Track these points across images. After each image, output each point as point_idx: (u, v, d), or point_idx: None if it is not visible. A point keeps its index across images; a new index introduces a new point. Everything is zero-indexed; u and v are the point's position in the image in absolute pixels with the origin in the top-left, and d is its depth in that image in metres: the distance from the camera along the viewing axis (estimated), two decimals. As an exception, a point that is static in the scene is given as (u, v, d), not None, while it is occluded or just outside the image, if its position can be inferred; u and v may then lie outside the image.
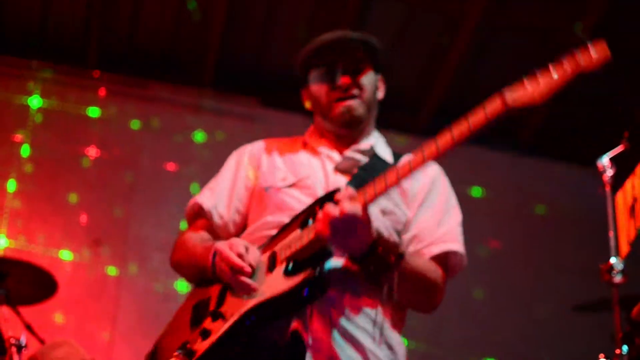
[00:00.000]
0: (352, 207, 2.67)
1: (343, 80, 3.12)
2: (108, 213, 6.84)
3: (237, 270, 2.76)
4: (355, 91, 3.13)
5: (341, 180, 3.02)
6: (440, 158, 2.68)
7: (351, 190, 2.74)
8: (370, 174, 2.92)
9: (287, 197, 3.04)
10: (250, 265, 2.79)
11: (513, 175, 7.61)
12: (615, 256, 3.90)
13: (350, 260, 2.80)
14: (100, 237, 6.74)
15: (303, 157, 3.19)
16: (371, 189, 2.72)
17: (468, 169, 6.84)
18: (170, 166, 6.99)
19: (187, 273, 3.14)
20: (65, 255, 6.61)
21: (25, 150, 6.83)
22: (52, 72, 7.09)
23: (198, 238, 3.11)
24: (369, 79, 3.19)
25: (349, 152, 3.14)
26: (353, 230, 2.68)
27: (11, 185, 6.70)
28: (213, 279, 2.91)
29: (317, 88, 3.20)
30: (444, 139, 2.66)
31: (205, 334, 2.82)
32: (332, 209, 2.67)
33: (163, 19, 7.20)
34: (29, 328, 4.98)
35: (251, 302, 2.76)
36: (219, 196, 3.20)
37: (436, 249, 2.99)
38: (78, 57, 7.20)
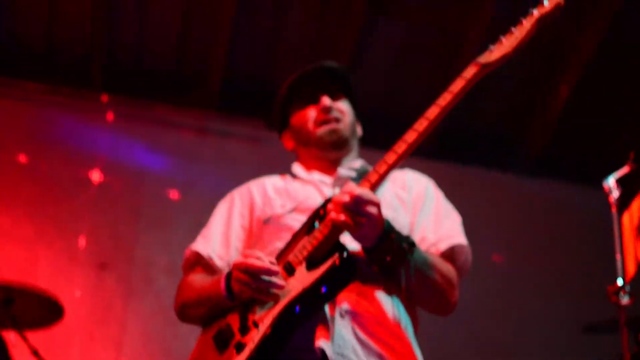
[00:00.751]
0: (360, 188, 2.69)
1: (325, 105, 3.18)
2: (113, 236, 6.83)
3: (263, 271, 2.71)
4: (337, 114, 3.20)
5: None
6: (434, 127, 2.82)
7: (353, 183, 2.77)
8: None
9: (292, 221, 3.01)
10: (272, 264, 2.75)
11: (518, 195, 7.60)
12: (622, 277, 3.90)
13: (366, 254, 2.78)
14: (106, 260, 6.73)
15: (296, 186, 3.19)
16: (373, 174, 2.78)
17: (473, 188, 6.83)
18: (176, 189, 6.99)
19: (196, 312, 3.04)
20: (71, 279, 6.61)
21: (30, 173, 6.85)
22: (56, 94, 7.10)
23: (203, 277, 3.08)
24: (347, 107, 3.26)
25: (341, 170, 3.17)
26: (364, 211, 2.66)
27: (16, 209, 6.71)
28: (230, 303, 2.84)
29: (300, 116, 3.26)
30: (432, 111, 2.82)
31: (240, 346, 2.73)
32: (341, 196, 2.68)
33: (168, 41, 7.23)
34: (35, 353, 4.98)
35: (283, 302, 2.70)
36: (214, 240, 3.17)
37: (443, 245, 3.00)
38: (83, 79, 7.21)
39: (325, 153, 3.20)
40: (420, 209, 3.09)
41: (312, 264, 2.72)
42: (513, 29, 2.88)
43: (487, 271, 7.02)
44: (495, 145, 7.68)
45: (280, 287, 2.71)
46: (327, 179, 3.17)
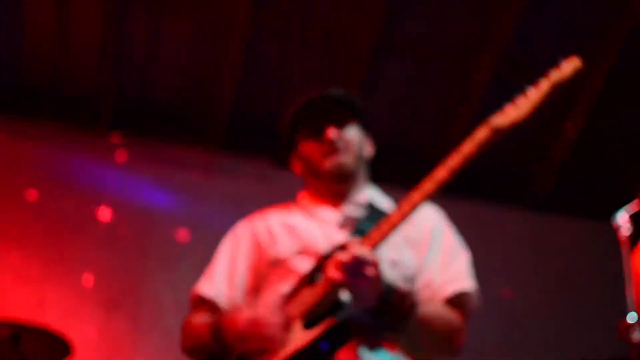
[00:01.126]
0: (360, 249, 2.69)
1: (330, 135, 3.13)
2: (122, 274, 6.83)
3: (261, 322, 2.74)
4: (342, 144, 3.15)
5: (344, 236, 3.02)
6: (438, 191, 2.79)
7: (357, 239, 2.78)
8: (371, 226, 2.93)
9: (298, 264, 3.01)
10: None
11: (527, 231, 7.59)
12: (632, 314, 3.87)
13: (367, 314, 2.77)
14: (114, 298, 6.73)
15: (301, 222, 3.17)
16: (376, 232, 2.77)
17: (481, 225, 6.83)
18: (184, 228, 6.99)
19: (199, 353, 3.07)
20: (79, 317, 6.60)
21: (39, 211, 6.85)
22: (64, 132, 7.13)
23: (203, 318, 3.07)
24: (353, 134, 3.20)
25: (346, 209, 3.14)
26: (363, 272, 2.67)
27: (25, 247, 6.71)
28: (225, 353, 2.86)
29: (305, 147, 3.22)
30: (440, 173, 2.80)
31: None
32: (341, 255, 2.69)
33: (174, 80, 7.27)
34: (43, 393, 4.97)
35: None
36: (219, 281, 3.16)
37: (449, 290, 2.98)
38: (91, 117, 7.24)
39: (331, 186, 3.18)
40: (428, 248, 3.08)
41: (311, 320, 2.75)
42: (528, 90, 2.81)
43: (496, 306, 7.00)
44: (505, 181, 7.69)
45: (276, 335, 2.75)
46: (333, 216, 3.15)
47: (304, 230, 3.11)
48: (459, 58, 7.01)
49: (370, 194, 3.22)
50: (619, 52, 6.88)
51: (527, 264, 7.45)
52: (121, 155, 7.20)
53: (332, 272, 2.69)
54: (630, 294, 3.98)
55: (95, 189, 7.04)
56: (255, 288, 3.12)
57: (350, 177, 3.18)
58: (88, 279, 6.74)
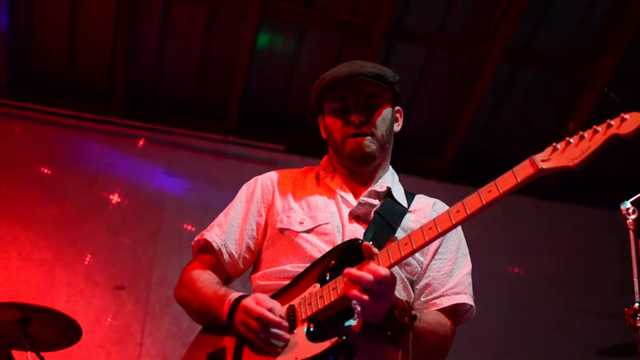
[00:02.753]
0: (385, 271, 2.63)
1: (355, 117, 3.05)
2: (132, 258, 6.86)
3: (273, 325, 2.72)
4: (367, 128, 3.07)
5: (358, 228, 2.99)
6: (469, 220, 2.62)
7: (374, 250, 2.70)
8: (387, 220, 2.93)
9: (306, 243, 3.00)
10: (281, 317, 2.75)
11: (538, 219, 7.60)
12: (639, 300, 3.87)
13: (368, 326, 2.76)
14: (124, 282, 6.75)
15: (319, 200, 3.12)
16: (397, 251, 2.67)
17: (492, 213, 6.83)
18: (194, 211, 7.01)
19: (193, 314, 3.07)
20: (89, 300, 6.63)
21: (49, 197, 6.89)
22: (76, 120, 7.15)
23: (207, 280, 3.04)
24: (382, 116, 3.11)
25: (364, 197, 3.08)
26: (386, 294, 2.65)
27: (35, 231, 6.75)
28: (227, 328, 2.86)
29: (330, 122, 3.15)
30: (474, 203, 2.61)
31: None
32: (365, 274, 2.62)
33: (187, 68, 7.29)
34: (52, 374, 5.00)
35: None
36: (229, 233, 3.14)
37: (447, 302, 2.98)
38: (103, 105, 7.27)
39: (351, 166, 3.13)
40: (436, 250, 3.06)
41: (317, 328, 2.73)
42: (584, 133, 2.51)
43: (505, 294, 7.02)
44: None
45: (285, 341, 2.74)
46: (351, 198, 3.10)
47: (320, 211, 3.07)
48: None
49: (390, 181, 3.16)
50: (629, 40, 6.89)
51: (538, 250, 7.46)
52: (133, 141, 7.22)
53: (354, 291, 2.63)
54: (638, 280, 3.98)
55: (107, 175, 7.07)
56: (259, 248, 3.13)
57: (370, 161, 3.10)
58: (98, 264, 6.77)
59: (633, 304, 3.94)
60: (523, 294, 7.25)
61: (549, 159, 2.55)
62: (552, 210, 7.65)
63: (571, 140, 2.53)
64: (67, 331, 5.17)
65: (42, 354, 5.13)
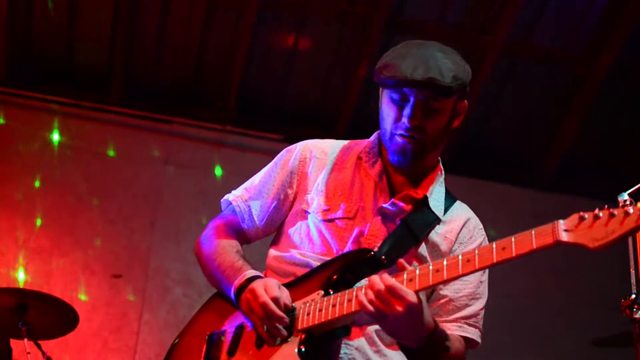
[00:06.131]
0: (413, 297, 2.54)
1: (410, 118, 2.86)
2: (129, 247, 6.86)
3: (275, 318, 2.71)
4: (418, 132, 2.88)
5: (381, 230, 2.91)
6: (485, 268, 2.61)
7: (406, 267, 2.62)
8: (412, 229, 2.87)
9: (323, 234, 2.95)
10: (285, 306, 2.74)
11: (534, 210, 7.60)
12: (636, 292, 3.88)
13: (402, 350, 2.74)
14: (121, 270, 6.76)
15: (352, 188, 3.01)
16: (426, 279, 2.55)
17: (489, 203, 6.83)
18: (191, 201, 7.01)
19: (208, 277, 3.08)
20: (86, 289, 6.63)
21: (46, 186, 6.88)
22: (74, 108, 7.14)
23: (230, 249, 3.03)
24: (439, 121, 2.92)
25: (397, 199, 2.95)
26: (392, 306, 2.54)
27: (33, 219, 6.74)
28: (233, 302, 2.88)
29: (386, 109, 2.96)
30: (485, 258, 2.51)
31: None
32: (377, 283, 2.55)
33: (186, 56, 7.27)
34: (49, 361, 5.00)
35: None
36: (255, 200, 3.13)
37: (460, 332, 2.93)
38: (101, 94, 7.26)
39: (391, 162, 2.99)
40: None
41: (309, 345, 2.70)
42: (615, 211, 2.34)
43: (501, 286, 7.02)
44: (513, 162, 7.71)
45: (282, 337, 2.73)
46: (385, 191, 2.98)
47: (348, 201, 2.98)
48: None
49: (432, 187, 3.01)
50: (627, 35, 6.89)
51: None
52: (131, 130, 7.22)
53: (363, 296, 2.57)
54: (635, 273, 3.99)
55: (104, 162, 7.06)
56: (283, 220, 3.10)
57: (413, 164, 2.95)
58: (95, 252, 6.77)
59: (630, 295, 3.95)
60: (520, 285, 7.26)
61: (573, 230, 2.44)
62: (551, 202, 7.64)
63: (600, 214, 2.37)
64: (64, 318, 5.17)
65: (39, 342, 5.13)
